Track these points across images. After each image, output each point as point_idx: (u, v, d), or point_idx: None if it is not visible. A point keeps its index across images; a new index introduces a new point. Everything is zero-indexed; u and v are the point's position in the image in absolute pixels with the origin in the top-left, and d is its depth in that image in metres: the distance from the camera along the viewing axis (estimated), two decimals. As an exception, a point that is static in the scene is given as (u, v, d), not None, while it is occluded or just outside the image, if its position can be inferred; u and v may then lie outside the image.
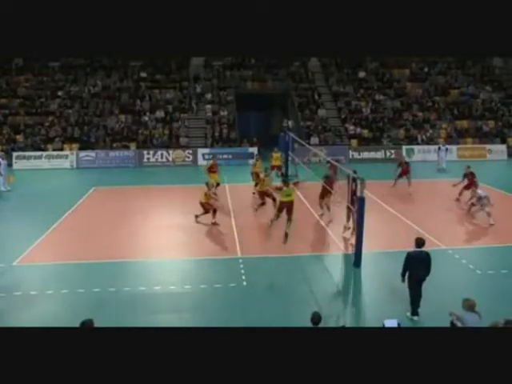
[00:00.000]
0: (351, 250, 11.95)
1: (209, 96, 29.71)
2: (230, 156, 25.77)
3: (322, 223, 14.67)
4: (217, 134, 27.46)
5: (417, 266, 8.70)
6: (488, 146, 27.36)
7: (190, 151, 26.09)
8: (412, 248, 8.92)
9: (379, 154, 26.62)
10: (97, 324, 6.20)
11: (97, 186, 19.93)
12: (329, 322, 8.40)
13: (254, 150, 25.57)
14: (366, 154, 26.56)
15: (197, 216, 14.71)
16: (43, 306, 9.52)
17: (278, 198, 13.40)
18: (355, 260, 11.35)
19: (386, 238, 13.26)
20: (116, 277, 10.91)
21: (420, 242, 8.83)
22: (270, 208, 15.23)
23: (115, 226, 14.61)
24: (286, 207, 12.87)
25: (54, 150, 25.86)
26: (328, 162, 16.99)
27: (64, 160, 25.39)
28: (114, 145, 26.47)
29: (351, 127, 28.17)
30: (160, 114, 28.34)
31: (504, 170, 24.82)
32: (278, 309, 9.39)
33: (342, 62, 32.08)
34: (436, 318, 8.49)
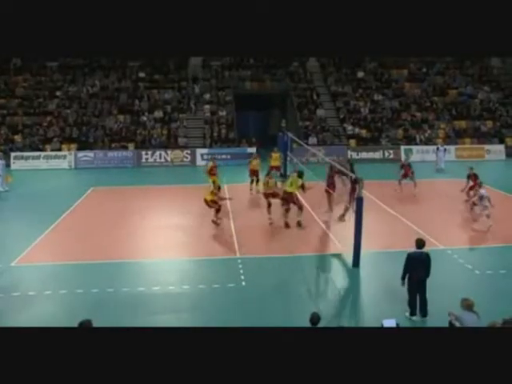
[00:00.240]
0: (349, 250, 11.96)
1: (207, 96, 29.71)
2: (229, 156, 25.74)
3: (321, 223, 14.67)
4: (215, 134, 27.45)
5: (417, 267, 8.69)
6: (486, 146, 27.40)
7: (189, 151, 26.07)
8: (411, 248, 8.93)
9: (377, 154, 26.64)
10: (95, 325, 6.17)
11: (95, 187, 19.90)
12: (327, 322, 8.40)
13: (253, 150, 25.56)
14: (364, 154, 26.56)
15: (214, 221, 14.34)
16: (41, 307, 9.50)
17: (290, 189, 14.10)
18: (353, 260, 11.35)
19: (384, 238, 13.26)
20: (114, 277, 10.89)
21: (420, 243, 8.83)
22: (273, 209, 15.00)
23: (114, 226, 14.59)
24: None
25: (52, 150, 25.83)
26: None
27: (62, 160, 25.35)
28: (113, 145, 26.44)
29: (350, 127, 28.18)
30: (158, 114, 28.33)
31: (502, 170, 24.84)
32: (277, 309, 9.39)
33: (341, 62, 32.09)
34: (435, 318, 8.52)
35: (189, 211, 15.79)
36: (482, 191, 14.05)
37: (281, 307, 9.49)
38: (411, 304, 8.95)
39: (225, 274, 11.06)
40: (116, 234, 13.90)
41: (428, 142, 27.43)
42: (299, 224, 14.16)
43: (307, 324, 6.48)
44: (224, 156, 25.57)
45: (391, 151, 26.62)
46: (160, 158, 25.82)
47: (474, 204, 14.73)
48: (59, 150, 25.94)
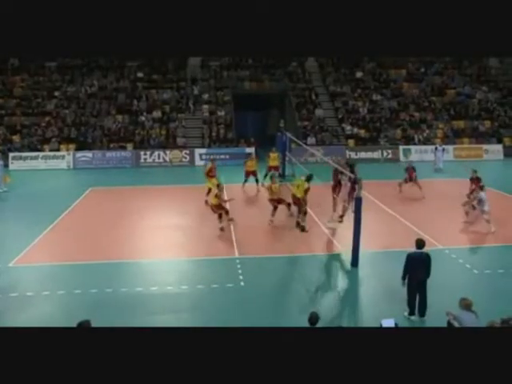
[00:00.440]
0: (348, 250, 11.96)
1: (206, 96, 29.69)
2: (227, 156, 25.74)
3: (320, 223, 14.67)
4: (214, 134, 27.44)
5: (417, 267, 8.69)
6: (484, 146, 27.45)
7: (187, 151, 26.07)
8: (409, 248, 8.94)
9: (376, 154, 26.66)
10: (94, 325, 6.17)
11: (93, 187, 19.88)
12: (326, 322, 8.40)
13: (252, 150, 25.56)
14: (362, 154, 26.57)
15: (221, 228, 13.86)
16: (40, 307, 9.48)
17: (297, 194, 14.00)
18: (352, 260, 11.35)
19: (383, 238, 13.27)
20: (113, 277, 10.88)
21: (420, 243, 8.83)
22: (267, 210, 15.09)
23: (112, 226, 14.58)
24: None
25: (50, 150, 25.79)
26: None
27: (61, 160, 25.33)
28: (111, 145, 26.41)
29: (348, 127, 28.20)
30: (157, 114, 28.31)
31: (501, 170, 24.88)
32: (276, 309, 9.39)
33: (339, 62, 32.13)
34: (433, 318, 8.52)
35: (187, 211, 15.79)
36: (482, 194, 13.91)
37: (280, 307, 9.49)
38: (410, 304, 8.95)
39: (224, 274, 11.05)
40: (114, 234, 13.89)
41: (426, 141, 27.47)
42: (298, 224, 14.11)
43: (306, 324, 6.49)
44: (222, 156, 25.56)
45: (390, 151, 26.66)
46: (159, 158, 25.81)
47: (473, 208, 14.60)
48: (57, 150, 25.91)
